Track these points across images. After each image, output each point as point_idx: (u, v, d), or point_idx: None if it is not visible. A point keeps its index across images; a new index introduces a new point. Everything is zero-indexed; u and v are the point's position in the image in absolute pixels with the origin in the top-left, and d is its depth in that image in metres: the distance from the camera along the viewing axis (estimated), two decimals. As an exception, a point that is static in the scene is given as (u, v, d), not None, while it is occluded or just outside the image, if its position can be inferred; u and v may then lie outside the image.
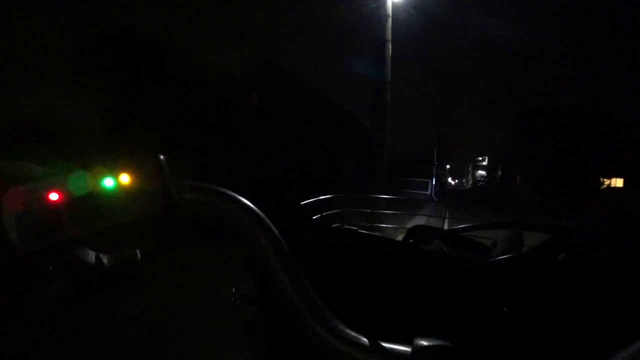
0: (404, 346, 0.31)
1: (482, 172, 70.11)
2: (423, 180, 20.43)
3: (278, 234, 0.33)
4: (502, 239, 0.76)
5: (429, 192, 19.31)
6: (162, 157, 0.28)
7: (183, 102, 11.96)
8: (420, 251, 0.52)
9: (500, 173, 52.06)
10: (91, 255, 0.32)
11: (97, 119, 10.86)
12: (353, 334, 0.32)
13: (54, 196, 0.25)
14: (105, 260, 0.32)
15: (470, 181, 73.07)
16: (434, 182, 19.91)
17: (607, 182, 20.58)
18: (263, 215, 0.32)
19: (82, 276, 0.30)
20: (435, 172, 30.64)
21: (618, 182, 21.88)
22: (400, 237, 0.91)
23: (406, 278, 0.47)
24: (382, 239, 0.52)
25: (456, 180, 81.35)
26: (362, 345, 0.31)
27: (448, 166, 60.02)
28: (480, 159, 74.20)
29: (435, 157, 19.20)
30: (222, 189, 0.32)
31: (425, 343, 0.31)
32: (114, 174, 0.27)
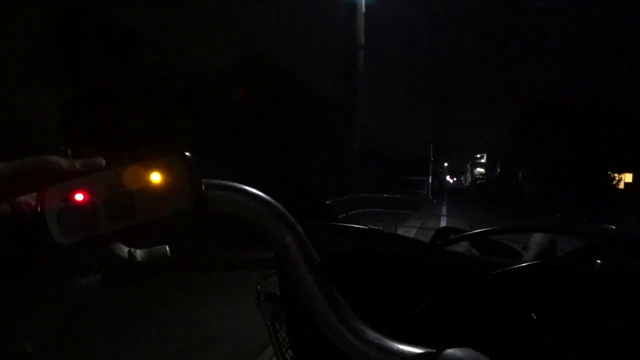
0: (428, 350, 0.31)
1: (480, 170, 69.28)
2: (421, 178, 19.32)
3: (303, 233, 0.33)
4: (534, 243, 0.75)
5: (425, 192, 18.25)
6: (191, 155, 0.30)
7: (158, 97, 10.85)
8: (448, 253, 0.50)
9: (499, 171, 51.19)
10: (124, 249, 0.33)
11: (57, 116, 9.66)
12: (376, 334, 0.32)
13: (79, 197, 0.27)
14: (137, 254, 0.34)
15: (469, 179, 72.22)
16: (430, 181, 18.75)
17: (617, 177, 19.42)
18: (289, 215, 0.33)
19: (116, 269, 0.33)
20: (433, 170, 29.67)
21: (627, 177, 20.67)
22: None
23: (434, 280, 0.47)
24: (409, 240, 0.53)
25: (454, 179, 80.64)
26: (384, 346, 0.31)
27: (446, 164, 59.29)
28: (478, 156, 73.39)
29: (432, 153, 17.96)
30: (248, 188, 0.32)
31: (453, 352, 0.30)
32: (146, 172, 0.28)
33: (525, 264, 0.46)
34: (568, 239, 0.62)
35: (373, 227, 0.59)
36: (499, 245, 0.81)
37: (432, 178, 20.87)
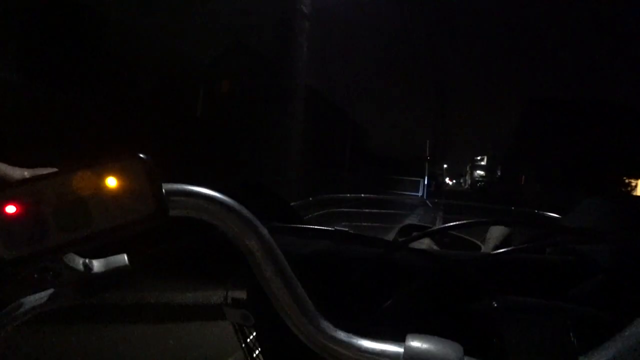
0: (396, 344, 0.32)
1: (480, 172, 67.69)
2: (415, 179, 17.41)
3: (269, 236, 0.33)
4: (492, 236, 0.80)
5: (419, 194, 16.07)
6: (149, 158, 0.28)
7: (128, 88, 9.37)
8: (410, 250, 0.53)
9: (499, 173, 49.68)
10: (79, 261, 0.31)
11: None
12: (345, 334, 0.33)
13: (10, 209, 0.25)
14: (93, 265, 0.32)
15: (469, 181, 70.63)
16: (426, 182, 16.77)
17: (634, 183, 17.72)
18: (254, 217, 0.33)
19: (69, 282, 0.31)
20: (431, 170, 27.94)
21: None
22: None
23: (398, 278, 0.49)
24: (373, 240, 0.55)
25: (454, 181, 79.15)
26: (354, 344, 0.32)
27: (445, 166, 57.78)
28: (478, 158, 71.75)
29: (428, 151, 15.99)
30: (210, 191, 0.31)
31: (417, 338, 0.32)
32: (100, 177, 0.27)
33: (479, 254, 0.50)
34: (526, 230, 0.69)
35: (338, 228, 0.59)
36: (459, 240, 0.90)
37: (428, 179, 18.82)
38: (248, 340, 0.54)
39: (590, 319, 0.40)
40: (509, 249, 0.54)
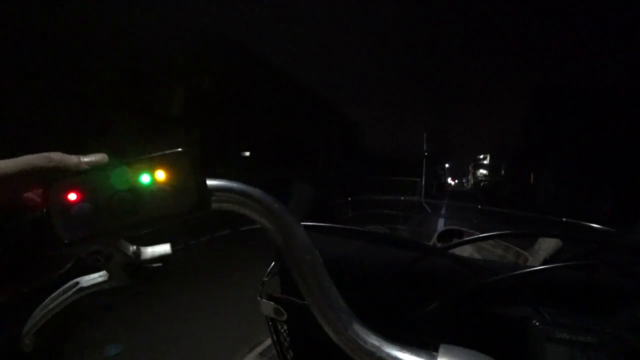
0: (429, 354, 0.32)
1: (483, 172, 65.60)
2: (412, 179, 15.25)
3: (305, 234, 0.34)
4: (540, 248, 0.76)
5: (416, 197, 13.60)
6: (195, 154, 0.28)
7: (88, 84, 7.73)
8: (450, 256, 0.51)
9: (503, 172, 47.66)
10: (128, 247, 0.34)
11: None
12: (377, 338, 0.32)
13: (72, 196, 0.27)
14: (141, 252, 0.35)
15: (471, 181, 68.54)
16: (424, 182, 14.70)
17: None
18: (292, 215, 0.34)
19: (119, 266, 0.34)
20: (433, 170, 25.95)
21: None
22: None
23: (435, 284, 0.48)
24: (411, 243, 0.55)
25: (456, 181, 77.10)
26: (385, 349, 0.32)
27: (447, 165, 55.87)
28: (481, 157, 69.64)
29: (425, 144, 13.72)
30: (251, 188, 0.33)
31: (451, 350, 0.32)
32: (151, 170, 0.29)
33: (527, 270, 0.46)
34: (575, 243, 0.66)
35: (375, 228, 0.59)
36: (505, 248, 0.84)
37: (426, 179, 16.61)
38: (279, 334, 0.54)
39: None
40: (559, 264, 0.50)
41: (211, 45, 13.89)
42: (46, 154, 0.28)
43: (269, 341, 1.99)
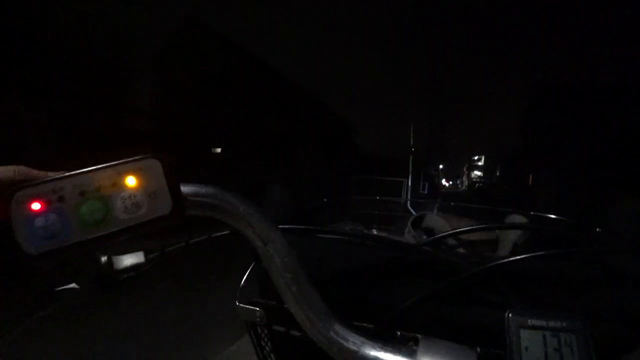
0: (409, 348, 0.32)
1: (478, 173, 64.47)
2: (398, 179, 13.25)
3: (282, 237, 0.33)
4: (507, 240, 0.77)
5: (403, 200, 11.65)
6: (166, 157, 0.29)
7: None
8: (428, 252, 0.52)
9: (499, 173, 46.42)
10: (99, 257, 0.33)
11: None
12: (358, 337, 0.32)
13: (35, 206, 0.26)
14: (113, 262, 0.34)
15: (466, 182, 67.37)
16: (410, 183, 12.56)
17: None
18: (269, 218, 0.33)
19: (90, 277, 0.32)
20: (425, 170, 24.50)
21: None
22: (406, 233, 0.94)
23: (415, 280, 0.48)
24: (390, 241, 0.54)
25: (450, 182, 75.92)
26: (367, 347, 0.32)
27: (441, 166, 54.63)
28: (476, 158, 68.57)
29: (412, 138, 11.56)
30: (228, 192, 0.32)
31: (430, 342, 0.33)
32: (121, 176, 0.28)
33: (500, 262, 0.46)
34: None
35: (354, 228, 0.59)
36: (477, 242, 0.84)
37: (413, 179, 14.59)
38: (260, 338, 0.53)
39: (611, 335, 0.39)
40: (530, 255, 0.51)
41: (182, 29, 12.31)
42: (11, 166, 0.26)
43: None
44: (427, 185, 22.59)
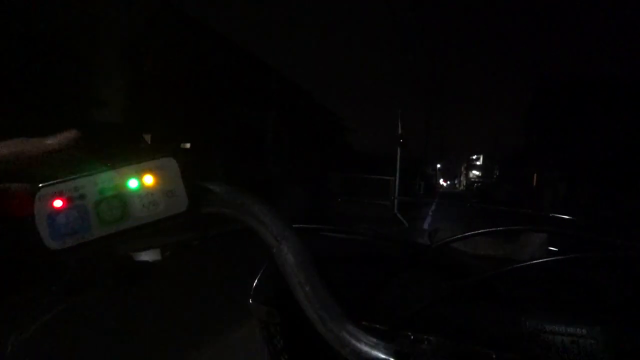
0: (423, 348, 0.33)
1: (476, 173, 63.14)
2: (385, 178, 11.00)
3: (296, 235, 0.33)
4: (527, 244, 0.77)
5: (388, 204, 9.22)
6: (183, 155, 0.29)
7: None
8: (442, 254, 0.52)
9: (497, 173, 45.23)
10: (117, 253, 0.33)
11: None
12: (371, 336, 0.32)
13: (57, 203, 0.27)
14: (129, 258, 0.35)
15: (464, 182, 66.09)
16: (397, 182, 9.59)
17: None
18: (282, 217, 0.33)
19: (108, 272, 0.33)
20: (422, 169, 23.19)
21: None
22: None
23: (429, 282, 0.48)
24: (404, 241, 0.54)
25: (448, 182, 74.69)
26: (381, 347, 0.32)
27: (439, 166, 53.36)
28: (474, 157, 67.11)
29: (400, 126, 9.30)
30: (241, 189, 0.32)
31: (445, 344, 0.33)
32: (138, 174, 0.28)
33: (516, 266, 0.44)
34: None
35: (368, 227, 0.56)
36: (492, 245, 0.85)
37: (409, 178, 12.96)
38: (273, 337, 0.54)
39: (632, 342, 0.37)
40: (545, 259, 0.49)
41: (147, 9, 10.93)
42: (2, 142, 0.26)
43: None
44: (422, 184, 21.20)
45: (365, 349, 0.31)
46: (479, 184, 42.35)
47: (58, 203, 0.26)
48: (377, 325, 0.39)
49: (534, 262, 0.47)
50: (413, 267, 0.49)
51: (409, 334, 0.36)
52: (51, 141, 0.27)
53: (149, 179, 0.28)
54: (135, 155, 0.28)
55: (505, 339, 0.38)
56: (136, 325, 2.31)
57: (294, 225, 0.33)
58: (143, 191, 0.28)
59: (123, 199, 0.28)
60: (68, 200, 0.27)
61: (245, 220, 0.32)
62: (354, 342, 0.31)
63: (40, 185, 0.26)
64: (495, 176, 45.12)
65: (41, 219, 0.26)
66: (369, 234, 0.56)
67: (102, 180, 0.27)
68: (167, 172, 0.29)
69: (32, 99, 6.82)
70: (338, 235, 0.56)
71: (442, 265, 0.49)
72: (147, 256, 0.36)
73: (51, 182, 0.27)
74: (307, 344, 0.45)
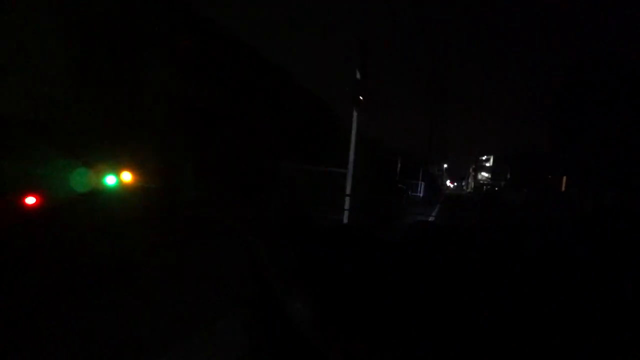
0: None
1: (486, 174, 58.95)
2: (342, 170, 7.74)
3: (281, 236, 0.35)
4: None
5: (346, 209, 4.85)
6: (163, 155, 0.26)
7: None
8: (426, 254, 0.54)
9: (509, 175, 41.56)
10: (94, 251, 0.31)
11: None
12: (354, 333, 0.34)
13: (30, 200, 0.26)
14: (106, 255, 0.33)
15: (472, 184, 62.07)
16: (351, 174, 4.86)
17: None
18: (259, 221, 0.29)
19: (84, 270, 0.33)
20: (426, 169, 19.89)
21: None
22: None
23: (410, 279, 0.49)
24: (386, 244, 0.56)
25: (455, 184, 70.79)
26: (360, 343, 0.33)
27: (446, 166, 49.77)
28: (484, 158, 62.80)
29: (361, 74, 5.62)
30: (225, 191, 0.28)
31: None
32: (116, 171, 0.26)
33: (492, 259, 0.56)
34: None
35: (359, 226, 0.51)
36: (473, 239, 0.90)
37: (401, 174, 8.77)
38: (260, 336, 0.53)
39: None
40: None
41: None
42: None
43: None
44: (422, 185, 17.73)
45: (348, 346, 0.31)
46: (489, 187, 38.64)
47: (30, 200, 0.22)
48: (360, 323, 0.38)
49: None
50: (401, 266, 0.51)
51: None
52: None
53: (127, 176, 0.22)
54: (115, 153, 0.21)
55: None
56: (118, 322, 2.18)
57: (280, 227, 0.36)
58: (121, 188, 0.22)
59: (99, 196, 0.22)
60: (40, 197, 0.21)
61: (229, 223, 0.25)
62: (337, 340, 0.31)
63: (11, 181, 0.20)
64: (506, 178, 41.36)
65: (11, 217, 0.21)
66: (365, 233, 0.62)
67: (76, 177, 0.21)
68: (147, 170, 0.22)
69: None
70: (322, 237, 0.58)
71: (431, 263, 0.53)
72: (126, 253, 0.25)
73: (24, 180, 0.20)
74: (292, 342, 0.44)
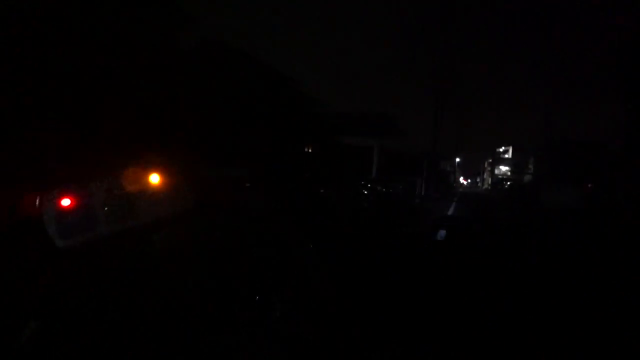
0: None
1: (504, 169, 53.80)
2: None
3: (303, 234, 0.34)
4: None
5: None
6: (190, 156, 0.29)
7: None
8: (450, 247, 1.09)
9: (531, 169, 37.00)
10: (125, 249, 0.34)
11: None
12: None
13: (65, 202, 0.29)
14: (131, 256, 0.35)
15: (488, 180, 57.08)
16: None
17: None
18: (290, 218, 0.32)
19: (117, 267, 0.38)
20: (436, 166, 16.02)
21: None
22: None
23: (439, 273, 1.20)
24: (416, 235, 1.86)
25: (469, 180, 65.90)
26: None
27: (458, 160, 45.32)
28: (502, 150, 57.42)
29: None
30: (248, 187, 0.30)
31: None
32: (146, 174, 0.29)
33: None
34: None
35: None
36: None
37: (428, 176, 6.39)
38: (272, 325, 0.57)
39: None
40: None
41: None
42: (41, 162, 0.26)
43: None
44: (432, 183, 13.76)
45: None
46: (511, 182, 34.24)
47: (66, 202, 0.24)
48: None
49: None
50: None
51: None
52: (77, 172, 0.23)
53: (155, 179, 0.24)
54: (144, 156, 0.23)
55: None
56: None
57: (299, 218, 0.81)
58: (149, 190, 0.24)
59: (129, 198, 0.24)
60: (75, 199, 0.24)
61: (253, 217, 0.25)
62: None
63: (49, 187, 0.23)
64: (529, 172, 36.83)
65: (50, 218, 0.24)
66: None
67: (109, 180, 0.24)
68: (173, 172, 0.24)
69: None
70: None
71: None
72: (156, 250, 0.30)
73: (59, 184, 0.23)
74: (305, 332, 0.52)
